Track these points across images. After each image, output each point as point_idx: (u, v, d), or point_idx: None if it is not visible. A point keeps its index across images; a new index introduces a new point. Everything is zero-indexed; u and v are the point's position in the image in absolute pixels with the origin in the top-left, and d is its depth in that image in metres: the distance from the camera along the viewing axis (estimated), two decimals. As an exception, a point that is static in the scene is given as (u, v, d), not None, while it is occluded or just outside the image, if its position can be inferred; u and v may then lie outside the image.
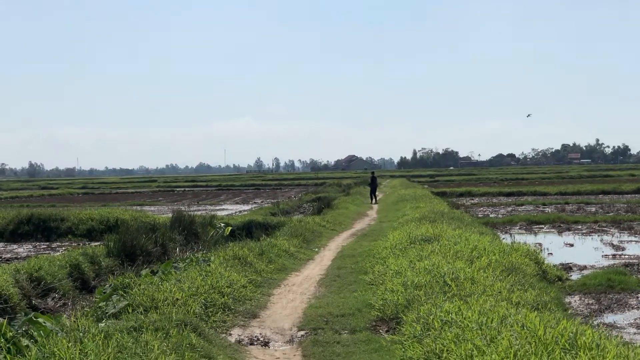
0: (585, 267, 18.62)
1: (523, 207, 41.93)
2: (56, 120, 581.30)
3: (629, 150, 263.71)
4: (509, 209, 40.82)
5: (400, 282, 12.81)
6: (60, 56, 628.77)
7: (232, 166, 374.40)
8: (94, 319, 10.65)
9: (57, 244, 26.82)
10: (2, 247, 26.39)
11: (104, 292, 12.69)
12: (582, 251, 22.14)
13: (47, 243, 27.23)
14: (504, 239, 23.07)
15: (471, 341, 8.18)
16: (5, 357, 7.19)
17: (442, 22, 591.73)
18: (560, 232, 27.58)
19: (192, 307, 11.39)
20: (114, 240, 18.88)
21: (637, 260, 19.44)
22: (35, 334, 8.34)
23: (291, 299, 14.03)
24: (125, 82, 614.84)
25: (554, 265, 18.11)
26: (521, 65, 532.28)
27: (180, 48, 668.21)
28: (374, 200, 47.49)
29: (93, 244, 23.15)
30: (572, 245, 23.86)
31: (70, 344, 7.74)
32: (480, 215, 35.30)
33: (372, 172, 53.87)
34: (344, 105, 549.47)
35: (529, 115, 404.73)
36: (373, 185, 48.36)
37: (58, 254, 19.46)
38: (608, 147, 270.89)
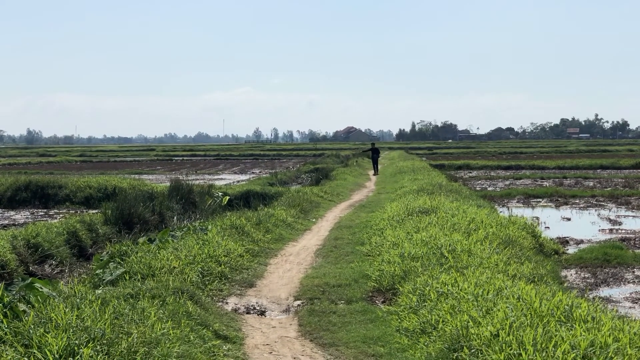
0: (582, 241, 18.66)
1: (521, 180, 41.91)
2: (55, 87, 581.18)
3: (628, 125, 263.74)
4: (507, 182, 40.81)
5: (397, 254, 12.82)
6: (60, 23, 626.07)
7: (230, 136, 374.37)
8: (91, 285, 10.67)
9: (55, 211, 26.82)
10: (0, 213, 26.39)
11: (101, 260, 12.70)
12: (579, 225, 22.18)
13: (45, 210, 27.23)
14: (501, 212, 23.10)
15: (467, 312, 8.21)
16: (2, 321, 7.20)
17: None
18: (557, 206, 27.62)
19: (189, 276, 11.40)
20: (112, 208, 18.87)
21: (633, 235, 19.49)
22: (32, 299, 8.35)
23: (288, 268, 14.05)
24: (125, 51, 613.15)
25: (551, 239, 18.15)
26: (522, 39, 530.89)
27: (181, 17, 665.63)
28: (375, 171, 47.38)
29: (91, 211, 23.12)
30: (569, 219, 23.89)
31: (67, 309, 7.74)
32: (478, 189, 35.31)
33: (373, 143, 53.64)
34: (343, 77, 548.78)
35: None
36: (374, 156, 48.19)
37: (56, 221, 19.46)
38: (607, 122, 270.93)
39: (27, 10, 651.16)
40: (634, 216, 24.09)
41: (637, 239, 18.72)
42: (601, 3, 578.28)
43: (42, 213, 26.22)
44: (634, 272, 14.78)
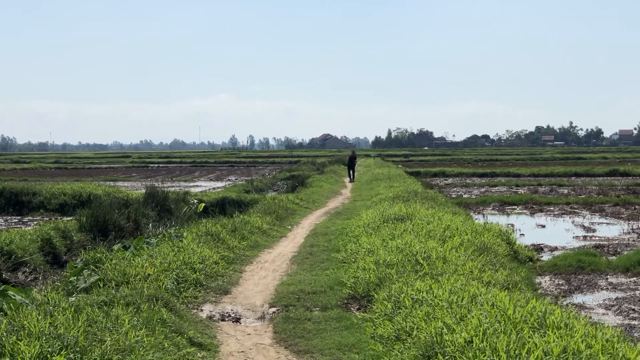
0: (556, 248, 18.79)
1: (496, 188, 42.13)
2: (30, 94, 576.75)
3: (602, 133, 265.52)
4: (483, 189, 41.02)
5: (372, 261, 12.83)
6: (35, 30, 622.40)
7: (207, 143, 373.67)
8: (64, 293, 10.59)
9: (29, 218, 26.65)
10: (-27, 220, 26.16)
11: (75, 267, 12.63)
12: (554, 232, 22.33)
13: (19, 217, 27.04)
14: (476, 219, 23.19)
15: (441, 319, 8.23)
16: (-27, 329, 7.15)
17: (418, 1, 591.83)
18: (532, 214, 27.79)
19: (163, 283, 11.35)
20: (87, 215, 18.77)
21: (607, 242, 19.65)
22: (4, 307, 8.29)
23: (263, 275, 14.03)
24: (101, 57, 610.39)
25: (526, 246, 18.28)
26: (498, 47, 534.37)
27: (159, 23, 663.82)
28: (349, 179, 47.41)
29: (65, 218, 22.97)
30: (543, 226, 24.05)
31: (40, 317, 7.70)
32: (453, 196, 35.46)
33: (353, 151, 53.69)
34: (321, 84, 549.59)
35: None
36: (351, 163, 48.23)
37: (29, 228, 19.34)
38: (581, 129, 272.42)
39: (3, 17, 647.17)
40: (607, 223, 24.28)
41: (610, 246, 18.87)
42: (578, 14, 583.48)
43: (16, 220, 26.03)
44: (607, 279, 14.89)
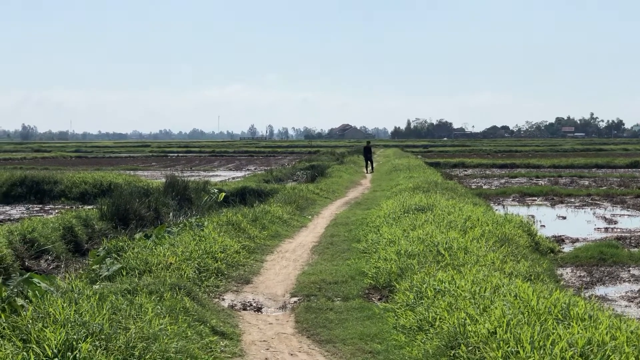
0: (577, 240, 18.69)
1: (516, 179, 41.93)
2: (50, 83, 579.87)
3: (623, 124, 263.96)
4: (502, 180, 40.83)
5: (393, 251, 12.84)
6: (56, 18, 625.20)
7: (225, 133, 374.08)
8: (88, 281, 10.65)
9: (50, 206, 26.78)
10: (-5, 208, 26.35)
11: (98, 255, 12.70)
12: (575, 224, 22.21)
13: (40, 205, 27.17)
14: (497, 210, 23.11)
15: (464, 310, 8.23)
16: (0, 316, 7.20)
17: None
18: (553, 205, 27.65)
19: (185, 272, 11.40)
20: (108, 204, 18.86)
21: (629, 234, 19.53)
22: (30, 294, 8.35)
23: (284, 265, 14.06)
24: (121, 46, 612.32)
25: (547, 237, 18.17)
26: (518, 37, 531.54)
27: (177, 13, 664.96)
28: (369, 169, 47.40)
29: (86, 207, 23.09)
30: (564, 217, 23.93)
31: (65, 304, 7.75)
32: (473, 187, 35.33)
33: (368, 142, 53.63)
34: (339, 74, 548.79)
35: None
36: (368, 155, 48.20)
37: (51, 216, 19.44)
38: (602, 121, 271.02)
39: (23, 5, 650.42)
40: (629, 215, 24.13)
41: (632, 238, 18.76)
42: (600, 2, 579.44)
43: (38, 208, 26.17)
44: (629, 271, 14.81)
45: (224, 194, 25.80)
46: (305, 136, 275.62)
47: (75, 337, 6.78)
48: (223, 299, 11.14)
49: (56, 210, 24.38)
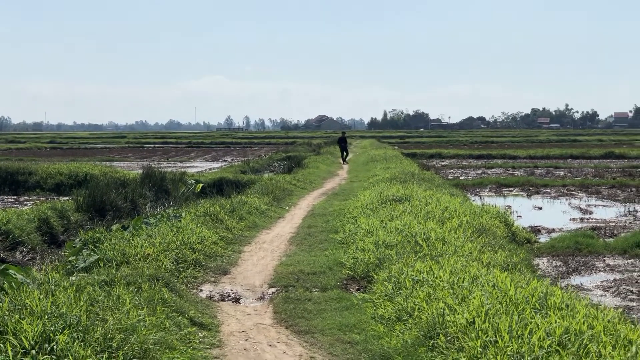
0: (553, 230, 18.82)
1: (493, 169, 42.13)
2: (24, 73, 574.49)
3: (597, 115, 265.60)
4: (479, 171, 41.01)
5: (371, 242, 12.85)
6: (30, 9, 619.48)
7: (202, 124, 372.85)
8: (64, 272, 10.57)
9: (25, 197, 26.58)
10: (-31, 200, 26.10)
11: (74, 247, 12.62)
12: (551, 214, 22.37)
13: (15, 197, 26.96)
14: (474, 201, 23.23)
15: (443, 300, 8.25)
16: (-25, 308, 7.13)
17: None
18: (529, 195, 27.82)
19: (163, 263, 11.34)
20: (84, 195, 18.75)
21: (604, 224, 19.69)
22: (6, 286, 8.28)
23: (262, 256, 14.03)
24: (97, 37, 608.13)
25: (523, 228, 18.30)
26: (494, 29, 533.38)
27: (156, 4, 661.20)
28: (345, 159, 47.42)
29: (62, 198, 22.95)
30: (540, 208, 24.09)
31: (42, 296, 7.69)
32: (450, 177, 35.47)
33: (343, 132, 53.60)
34: (315, 66, 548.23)
35: None
36: (343, 145, 48.20)
37: (26, 207, 19.29)
38: (577, 112, 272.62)
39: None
40: (604, 205, 24.33)
41: (607, 228, 18.91)
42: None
43: (12, 200, 25.98)
44: (604, 260, 14.93)
45: (201, 185, 25.72)
46: (282, 127, 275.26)
47: (52, 328, 6.72)
48: (201, 290, 11.11)
49: (31, 202, 24.18)
